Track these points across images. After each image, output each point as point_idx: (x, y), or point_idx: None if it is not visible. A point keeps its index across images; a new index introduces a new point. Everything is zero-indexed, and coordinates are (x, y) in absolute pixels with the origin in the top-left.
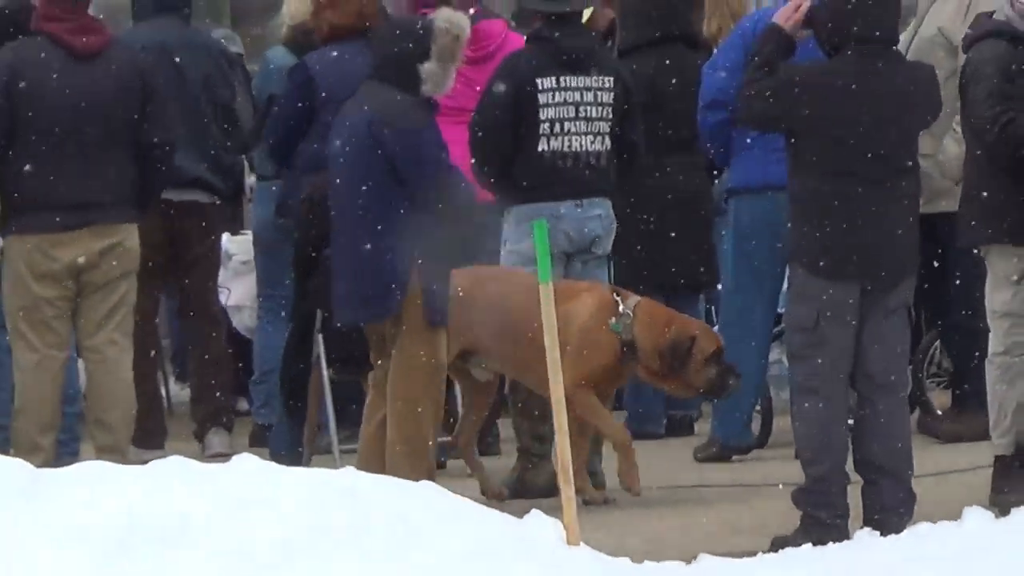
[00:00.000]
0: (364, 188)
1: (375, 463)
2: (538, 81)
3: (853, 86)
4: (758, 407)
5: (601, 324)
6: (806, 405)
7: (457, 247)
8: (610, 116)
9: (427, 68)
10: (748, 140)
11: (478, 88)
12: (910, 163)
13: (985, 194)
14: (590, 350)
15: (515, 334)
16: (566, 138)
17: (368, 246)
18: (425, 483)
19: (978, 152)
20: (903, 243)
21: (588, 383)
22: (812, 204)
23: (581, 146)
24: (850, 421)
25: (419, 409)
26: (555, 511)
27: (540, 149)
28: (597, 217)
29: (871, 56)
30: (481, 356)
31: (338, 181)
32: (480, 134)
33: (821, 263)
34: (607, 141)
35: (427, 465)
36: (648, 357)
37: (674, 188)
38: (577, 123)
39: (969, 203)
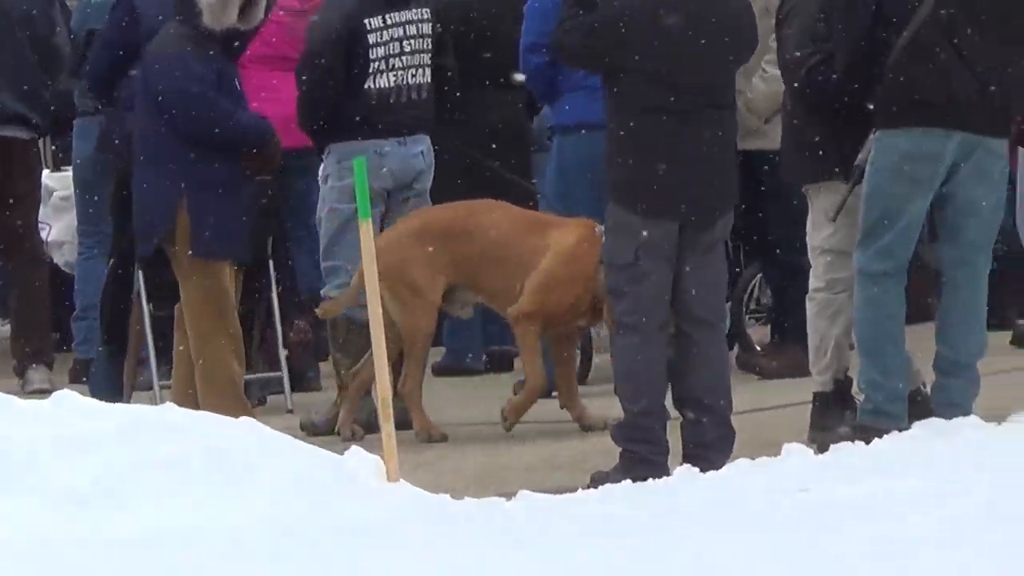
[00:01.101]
0: (144, 120)
1: (189, 400)
2: (366, 21)
3: (670, 21)
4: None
5: (581, 258)
6: (625, 341)
7: (232, 183)
8: (429, 47)
9: None
10: (571, 79)
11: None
12: (728, 99)
13: (806, 131)
14: (562, 281)
15: (501, 265)
16: (392, 74)
17: (141, 178)
18: (245, 419)
19: (798, 86)
20: (720, 180)
21: (543, 314)
22: (629, 141)
23: (405, 81)
24: (669, 357)
25: (213, 342)
26: (375, 448)
27: (367, 87)
28: (419, 154)
29: None
30: (467, 290)
31: (136, 116)
32: (309, 77)
33: (638, 200)
34: (427, 73)
35: (235, 399)
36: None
37: (492, 122)
38: (403, 58)
39: (791, 140)
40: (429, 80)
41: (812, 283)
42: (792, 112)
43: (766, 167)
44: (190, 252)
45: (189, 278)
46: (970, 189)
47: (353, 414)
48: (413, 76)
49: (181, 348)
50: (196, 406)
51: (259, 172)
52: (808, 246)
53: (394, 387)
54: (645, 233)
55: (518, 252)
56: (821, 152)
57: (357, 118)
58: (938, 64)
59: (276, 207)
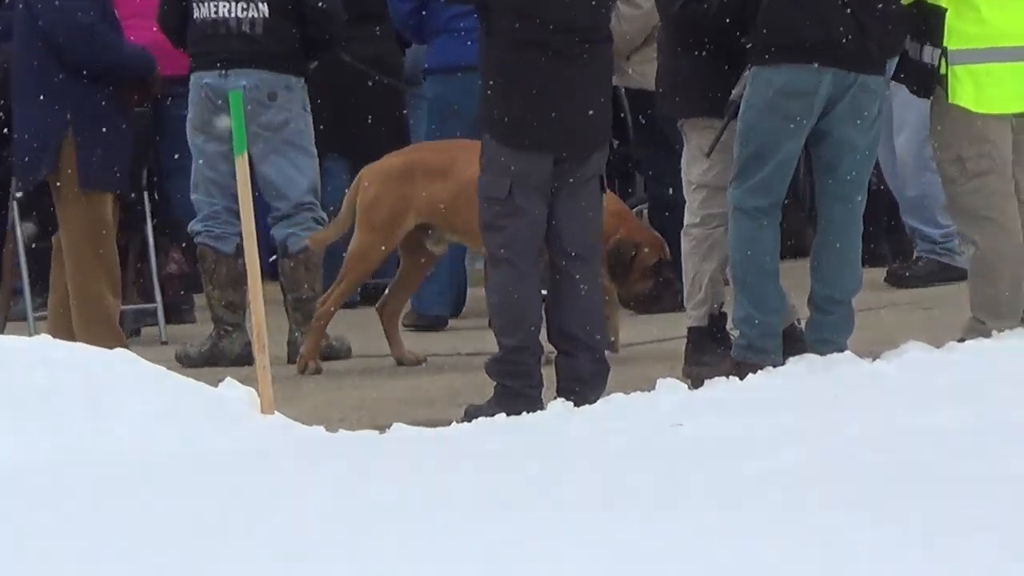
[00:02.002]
0: (25, 55)
1: (65, 331)
2: None
3: None
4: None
5: None
6: (500, 275)
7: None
8: None
9: None
10: (438, 22)
11: None
12: (602, 35)
13: (680, 66)
14: None
15: (471, 201)
16: (213, 4)
17: (24, 112)
18: (119, 351)
19: (672, 19)
20: (595, 114)
21: None
22: (503, 75)
23: (232, 13)
24: (544, 292)
25: (90, 274)
26: (250, 380)
27: (195, 16)
28: (242, 88)
29: None
30: (438, 227)
31: (14, 49)
32: (159, 5)
33: (513, 134)
34: (261, 8)
35: (110, 331)
36: None
37: (367, 59)
38: None
39: (665, 74)
40: (266, 15)
41: (687, 218)
42: (666, 46)
43: (637, 103)
44: (77, 185)
45: (72, 210)
46: (846, 126)
47: (400, 345)
48: (244, 10)
49: (58, 280)
50: (72, 337)
51: (141, 103)
52: (684, 181)
53: None
54: (519, 167)
55: None
56: (694, 87)
57: (191, 48)
58: (814, 2)
59: (152, 137)
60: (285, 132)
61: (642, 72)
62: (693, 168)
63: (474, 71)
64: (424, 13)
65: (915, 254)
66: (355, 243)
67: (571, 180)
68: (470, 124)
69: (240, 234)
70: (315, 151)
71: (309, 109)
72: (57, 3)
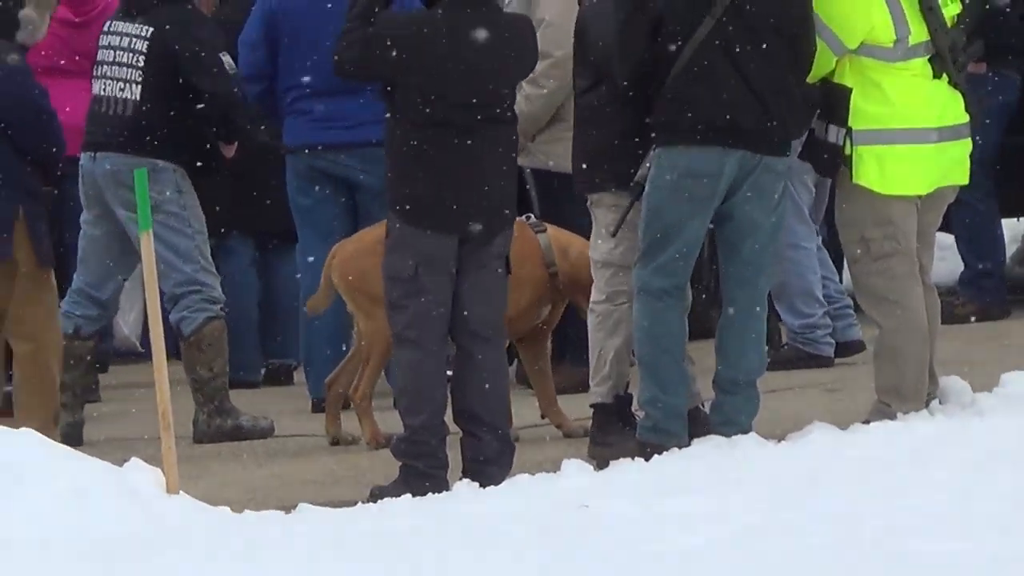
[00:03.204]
0: None
1: None
2: (105, 24)
3: (444, 37)
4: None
5: (523, 261)
6: (405, 356)
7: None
8: (141, 64)
9: (25, 14)
10: (286, 104)
11: (77, 57)
12: (506, 113)
13: (587, 143)
14: (512, 287)
15: None
16: (101, 82)
17: None
18: (24, 430)
19: (583, 99)
20: (501, 195)
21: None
22: (408, 154)
23: (109, 91)
24: (449, 372)
25: (55, 353)
26: (155, 460)
27: (93, 92)
28: (107, 172)
29: (465, 5)
30: None
31: None
32: None
33: (417, 213)
34: (135, 89)
35: (56, 404)
36: (570, 285)
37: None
38: (112, 68)
39: (575, 152)
40: (137, 97)
41: (593, 295)
42: (581, 120)
43: (543, 183)
44: (36, 264)
45: (32, 290)
46: (749, 208)
47: (374, 426)
48: (121, 90)
49: None
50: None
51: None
52: (590, 259)
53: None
54: (424, 247)
55: None
56: (598, 164)
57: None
58: (718, 83)
59: (56, 216)
60: (156, 216)
61: (547, 152)
62: (599, 246)
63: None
64: (271, 94)
65: (783, 340)
66: (363, 324)
67: (475, 260)
68: (329, 198)
69: (83, 316)
70: (199, 231)
71: (186, 191)
72: (22, 86)
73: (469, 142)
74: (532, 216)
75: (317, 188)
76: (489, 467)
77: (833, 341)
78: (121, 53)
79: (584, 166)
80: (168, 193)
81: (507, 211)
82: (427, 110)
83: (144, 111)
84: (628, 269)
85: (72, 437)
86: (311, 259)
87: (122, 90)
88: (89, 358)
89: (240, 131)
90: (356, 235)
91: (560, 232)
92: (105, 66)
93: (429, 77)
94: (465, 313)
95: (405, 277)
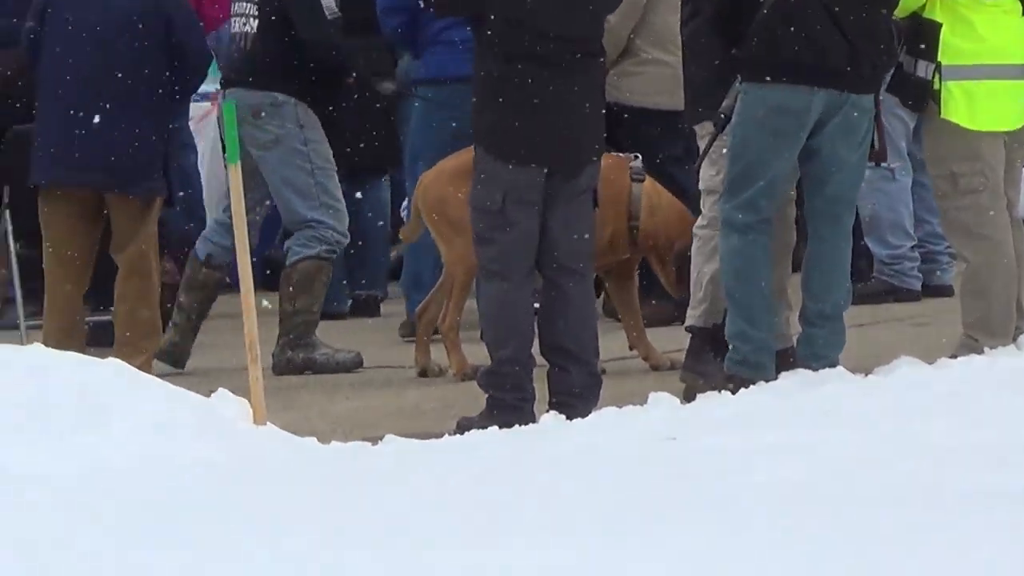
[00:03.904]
0: (140, 62)
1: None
2: None
3: None
4: None
5: (610, 189)
6: (492, 288)
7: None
8: None
9: None
10: (429, 34)
11: None
12: (595, 48)
13: (689, 76)
14: (604, 223)
15: None
16: (232, 19)
17: (137, 122)
18: (111, 360)
19: (685, 29)
20: (589, 127)
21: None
22: (497, 87)
23: (236, 28)
24: (536, 305)
25: (152, 284)
26: (242, 391)
27: (230, 31)
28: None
29: None
30: None
31: (101, 53)
32: None
33: (505, 147)
34: (252, 24)
35: (157, 342)
36: (645, 244)
37: (351, 68)
38: (238, 4)
39: (684, 86)
40: (255, 30)
41: (698, 221)
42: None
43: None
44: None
45: (145, 224)
46: (836, 144)
47: (461, 357)
48: (243, 25)
49: (68, 288)
50: (74, 348)
51: None
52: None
53: None
54: (512, 180)
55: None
56: (700, 95)
57: None
58: (807, 22)
59: None
60: (276, 151)
61: (618, 86)
62: (703, 173)
63: (464, 82)
64: (415, 25)
65: (872, 273)
66: (445, 252)
67: (563, 193)
68: (461, 135)
69: (218, 245)
70: (321, 167)
71: (308, 125)
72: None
73: (558, 74)
74: (639, 159)
75: (447, 122)
76: (576, 400)
77: (920, 275)
78: None
79: (689, 97)
80: (289, 127)
81: (595, 144)
82: (517, 42)
83: (261, 45)
84: None
85: (174, 358)
86: None
87: (244, 25)
88: (211, 288)
89: (339, 72)
90: (438, 164)
91: (656, 189)
92: (235, 3)
93: (517, 8)
94: (553, 246)
95: (493, 209)
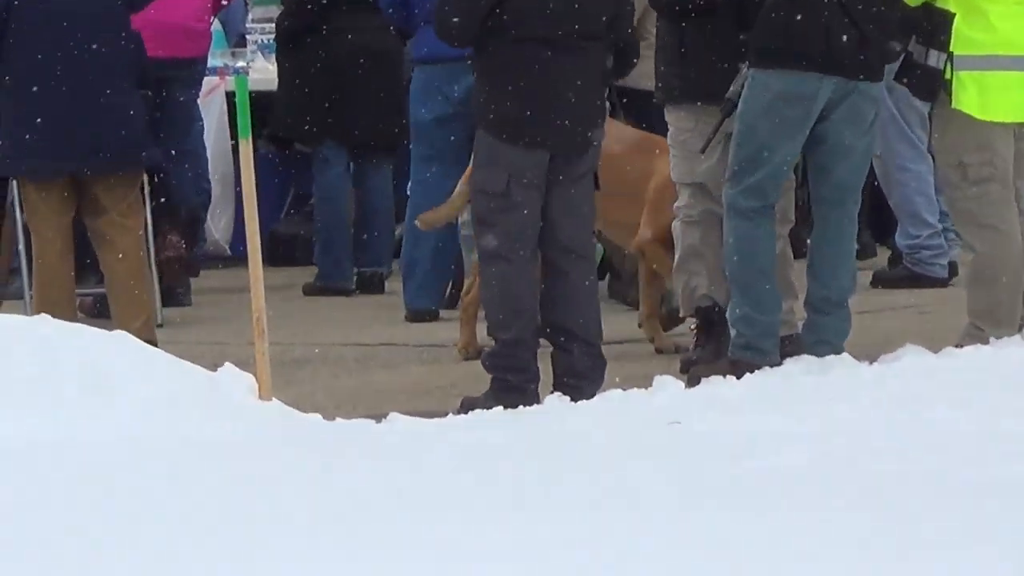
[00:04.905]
0: (112, 38)
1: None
2: None
3: None
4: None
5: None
6: (495, 270)
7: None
8: None
9: None
10: (425, 12)
11: None
12: (598, 32)
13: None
14: (670, 205)
15: (619, 197)
16: None
17: (122, 96)
18: (118, 332)
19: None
20: (591, 110)
21: (665, 238)
22: (499, 70)
23: None
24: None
25: (141, 257)
26: (248, 365)
27: None
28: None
29: None
30: None
31: (73, 35)
32: None
33: (510, 130)
34: None
35: (152, 306)
36: None
37: (364, 47)
38: None
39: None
40: None
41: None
42: (662, 35)
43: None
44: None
45: (135, 202)
46: (843, 131)
47: (471, 335)
48: None
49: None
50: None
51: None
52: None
53: None
54: (516, 162)
55: (633, 181)
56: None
57: None
58: (817, 9)
59: (153, 119)
60: None
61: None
62: (678, 166)
63: (458, 61)
64: (407, 4)
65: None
66: None
67: (566, 176)
68: (457, 115)
69: None
70: None
71: None
72: None
73: (562, 57)
74: None
75: (441, 104)
76: (581, 381)
77: (945, 263)
78: None
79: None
80: None
81: (598, 126)
82: (522, 25)
83: None
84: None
85: None
86: (421, 177)
87: None
88: None
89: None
90: None
91: None
92: None
93: (525, 4)
94: (555, 228)
95: (497, 192)
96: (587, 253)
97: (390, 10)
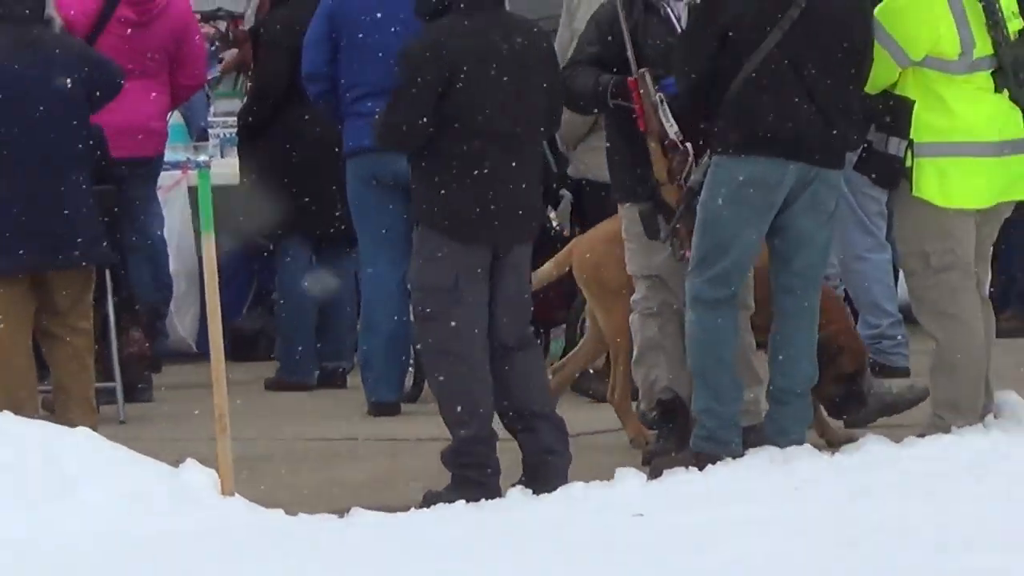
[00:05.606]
0: (69, 134)
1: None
2: None
3: (485, 46)
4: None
5: None
6: (448, 368)
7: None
8: None
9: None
10: (347, 106)
11: (147, 55)
12: (539, 121)
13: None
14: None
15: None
16: None
17: (77, 194)
18: (81, 429)
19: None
20: (531, 204)
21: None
22: (443, 166)
23: None
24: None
25: (88, 339)
26: (209, 461)
27: None
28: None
29: (486, 13)
30: None
31: (30, 131)
32: None
33: (456, 225)
34: None
35: (92, 392)
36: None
37: (326, 140)
38: None
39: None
40: None
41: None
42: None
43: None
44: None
45: (87, 288)
46: (804, 220)
47: (637, 425)
48: None
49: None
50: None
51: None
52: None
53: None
54: (463, 258)
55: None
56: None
57: None
58: (782, 96)
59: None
60: None
61: (585, 161)
62: (633, 259)
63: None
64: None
65: None
66: (605, 319)
67: (506, 266)
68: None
69: None
70: None
71: None
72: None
73: (505, 154)
74: None
75: (377, 193)
76: (552, 456)
77: (906, 352)
78: None
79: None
80: None
81: (535, 219)
82: (467, 121)
83: None
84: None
85: None
86: (371, 270)
87: None
88: None
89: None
90: (589, 232)
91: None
92: None
93: (471, 88)
94: (501, 318)
95: (444, 287)
96: (529, 335)
97: (320, 102)
